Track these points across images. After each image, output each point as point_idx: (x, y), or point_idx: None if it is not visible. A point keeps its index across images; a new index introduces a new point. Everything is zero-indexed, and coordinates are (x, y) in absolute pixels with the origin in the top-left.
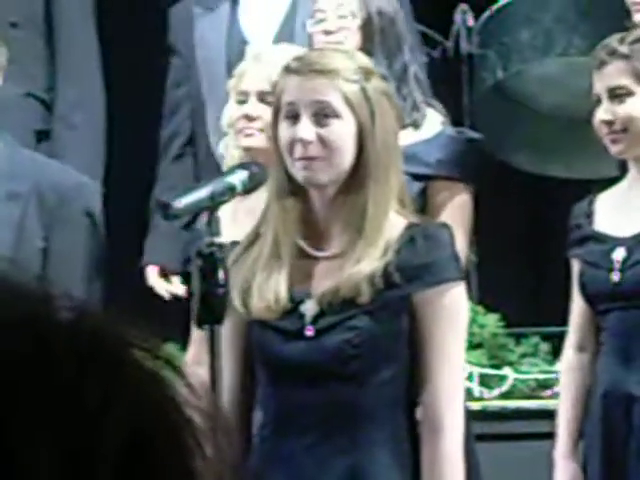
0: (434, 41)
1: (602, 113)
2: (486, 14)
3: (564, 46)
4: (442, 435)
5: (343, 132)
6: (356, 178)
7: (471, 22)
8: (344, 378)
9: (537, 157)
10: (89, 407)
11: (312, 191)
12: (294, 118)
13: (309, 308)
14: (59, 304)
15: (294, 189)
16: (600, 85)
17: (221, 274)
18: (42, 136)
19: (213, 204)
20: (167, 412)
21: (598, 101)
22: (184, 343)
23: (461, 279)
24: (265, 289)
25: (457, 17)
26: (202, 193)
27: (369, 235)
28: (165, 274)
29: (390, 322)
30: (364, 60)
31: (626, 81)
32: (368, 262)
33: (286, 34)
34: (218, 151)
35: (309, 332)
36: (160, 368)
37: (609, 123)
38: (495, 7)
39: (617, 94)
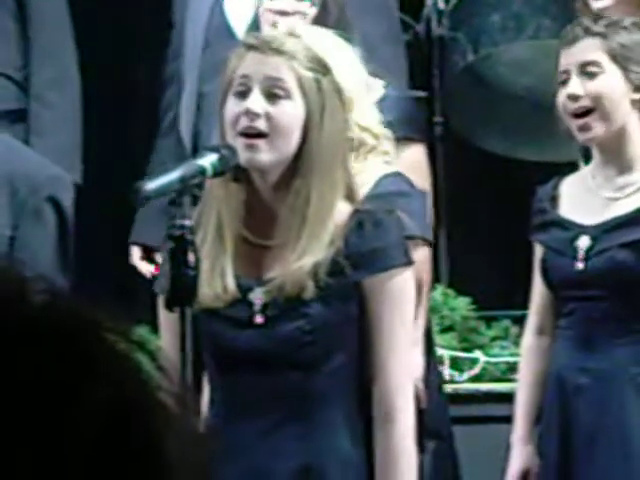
0: (405, 24)
1: (571, 87)
2: None
3: (534, 29)
4: (395, 421)
5: (292, 114)
6: (299, 167)
7: (442, 5)
8: (297, 365)
9: (508, 140)
10: (62, 390)
11: (255, 176)
12: (244, 94)
13: (257, 297)
14: (32, 286)
15: (238, 174)
16: (570, 60)
17: (191, 257)
18: (17, 115)
19: (184, 187)
20: (140, 396)
21: (563, 82)
22: (155, 326)
23: (408, 264)
24: (212, 277)
25: (428, 0)
26: (173, 176)
27: (313, 226)
28: (149, 254)
29: (340, 308)
30: (322, 56)
31: (600, 57)
32: (311, 255)
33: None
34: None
35: (259, 320)
36: (133, 351)
37: (576, 98)
38: None
39: (588, 71)
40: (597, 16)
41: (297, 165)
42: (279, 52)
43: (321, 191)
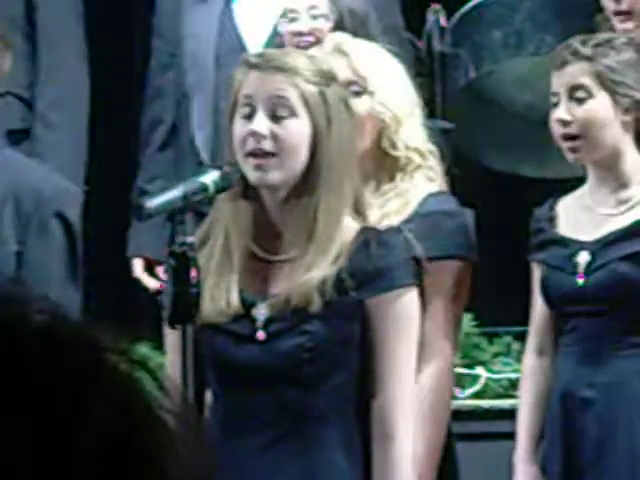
0: (407, 40)
1: (560, 112)
2: (458, 14)
3: (536, 45)
4: (393, 442)
5: (298, 131)
6: (308, 181)
7: (444, 22)
8: (296, 382)
9: (510, 157)
10: (65, 410)
11: (264, 192)
12: (249, 115)
13: (261, 312)
14: (34, 307)
15: (246, 190)
16: (560, 84)
17: (193, 273)
18: (22, 135)
19: (186, 204)
20: (142, 415)
21: (555, 104)
22: (158, 342)
23: (413, 284)
24: (216, 293)
25: (429, 17)
26: (175, 193)
27: (320, 241)
28: (150, 266)
29: (342, 327)
30: (326, 64)
31: (587, 82)
32: (319, 269)
33: (277, 39)
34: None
35: (260, 336)
36: (134, 371)
37: (565, 123)
38: (467, 7)
39: (577, 96)
40: (587, 36)
41: (306, 180)
42: (281, 69)
43: (329, 204)
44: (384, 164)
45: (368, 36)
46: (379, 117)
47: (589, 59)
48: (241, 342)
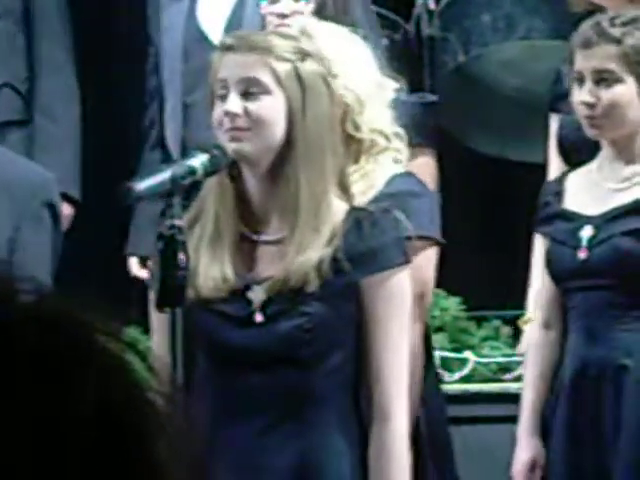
0: (396, 24)
1: (585, 94)
2: None
3: (525, 30)
4: (389, 422)
5: (271, 107)
6: (287, 157)
7: (432, 5)
8: (294, 363)
9: (498, 140)
10: (53, 395)
11: (245, 170)
12: (225, 95)
13: (256, 295)
14: (21, 287)
15: (233, 172)
16: (585, 65)
17: (181, 257)
18: (18, 126)
19: (175, 187)
20: (133, 398)
21: (580, 80)
22: (146, 326)
23: (405, 263)
24: (211, 269)
25: (418, 0)
26: (163, 176)
27: (306, 218)
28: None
29: (339, 308)
30: (304, 43)
31: (615, 66)
32: (314, 250)
33: (235, 22)
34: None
35: (258, 318)
36: (123, 352)
37: (590, 105)
38: None
39: (603, 78)
40: (615, 15)
41: (285, 156)
42: (253, 48)
43: (310, 179)
44: (349, 147)
45: (351, 22)
46: (342, 100)
47: (617, 41)
48: (237, 324)
